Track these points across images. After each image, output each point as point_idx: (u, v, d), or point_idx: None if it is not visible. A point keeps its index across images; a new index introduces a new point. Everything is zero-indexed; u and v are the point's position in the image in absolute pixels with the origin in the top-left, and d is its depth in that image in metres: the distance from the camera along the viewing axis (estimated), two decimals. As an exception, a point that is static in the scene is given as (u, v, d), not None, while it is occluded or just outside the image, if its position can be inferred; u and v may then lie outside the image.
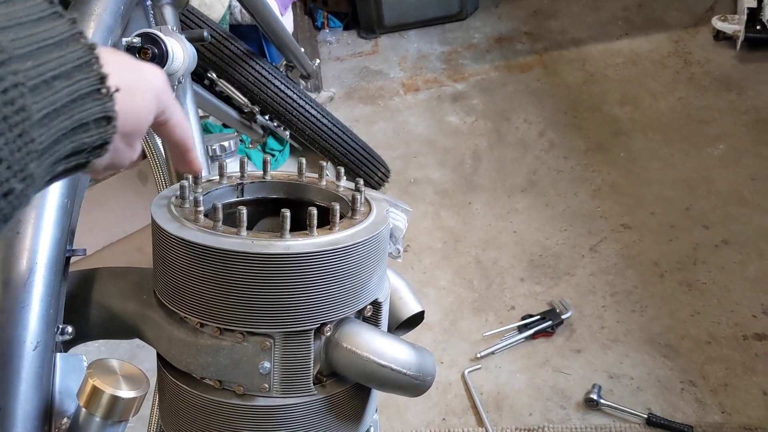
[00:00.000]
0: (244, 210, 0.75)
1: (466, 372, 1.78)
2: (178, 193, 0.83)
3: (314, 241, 0.77)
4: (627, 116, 2.45)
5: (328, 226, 0.82)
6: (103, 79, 0.39)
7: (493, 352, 1.82)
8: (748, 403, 1.65)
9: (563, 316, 1.85)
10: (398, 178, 2.32)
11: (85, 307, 0.83)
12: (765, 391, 1.66)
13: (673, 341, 1.79)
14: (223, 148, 1.31)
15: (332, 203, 0.81)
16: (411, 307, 1.02)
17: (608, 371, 1.75)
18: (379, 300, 0.89)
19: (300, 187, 0.99)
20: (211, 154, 1.31)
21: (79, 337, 0.79)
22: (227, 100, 1.86)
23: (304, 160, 0.99)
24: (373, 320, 0.91)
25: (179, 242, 0.73)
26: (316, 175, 1.00)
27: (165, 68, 0.85)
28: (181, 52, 0.89)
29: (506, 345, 1.82)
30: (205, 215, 0.79)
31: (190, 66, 0.93)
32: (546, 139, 2.41)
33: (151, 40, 0.84)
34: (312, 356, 0.80)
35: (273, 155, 2.45)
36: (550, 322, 1.84)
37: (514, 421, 1.69)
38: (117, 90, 0.41)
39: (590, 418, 1.67)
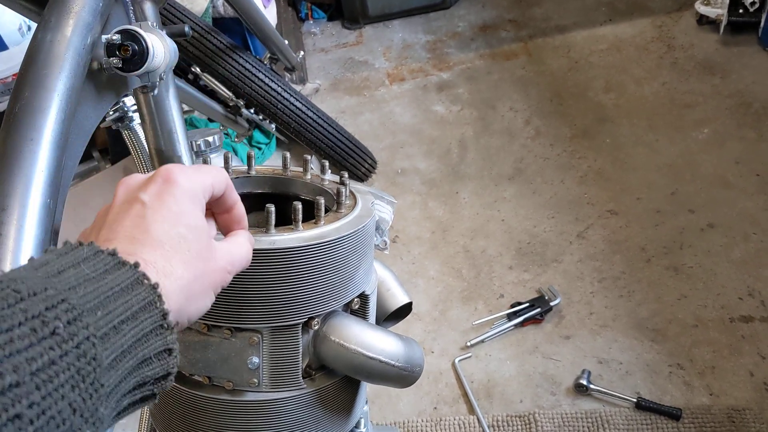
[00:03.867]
0: (228, 206, 0.75)
1: (456, 361, 1.79)
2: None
3: (299, 236, 0.78)
4: (612, 102, 2.46)
5: (314, 221, 0.82)
6: (165, 315, 0.42)
7: (482, 341, 1.82)
8: (735, 384, 1.67)
9: (552, 303, 1.86)
10: (385, 169, 2.33)
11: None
12: (752, 373, 1.68)
13: (661, 325, 1.81)
14: (207, 144, 1.31)
15: (317, 197, 0.81)
16: (399, 298, 1.02)
17: (597, 356, 1.76)
18: (366, 292, 0.89)
19: (285, 181, 0.99)
20: (195, 150, 1.31)
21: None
22: (212, 94, 1.85)
23: (288, 155, 0.99)
24: (360, 313, 0.91)
25: (164, 240, 0.73)
26: (301, 169, 1.00)
27: (145, 65, 0.85)
28: (161, 48, 0.88)
29: (496, 333, 1.83)
30: (190, 212, 0.80)
31: (172, 62, 0.92)
32: (532, 127, 2.42)
33: (131, 37, 0.84)
34: (300, 350, 0.80)
35: (259, 148, 2.44)
36: (539, 310, 1.85)
37: (505, 408, 1.70)
38: (177, 324, 0.44)
39: (580, 403, 1.69)
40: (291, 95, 1.70)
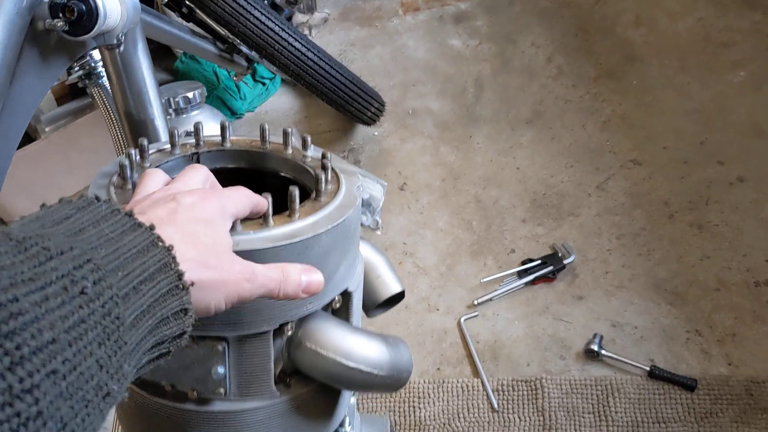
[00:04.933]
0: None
1: (462, 319, 1.72)
2: (120, 172, 0.73)
3: (268, 235, 0.68)
4: (641, 39, 2.27)
5: (287, 213, 0.72)
6: (180, 276, 0.44)
7: (491, 299, 1.74)
8: (756, 354, 1.58)
9: (565, 261, 1.76)
10: (395, 110, 2.19)
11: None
12: (774, 342, 1.59)
13: (680, 288, 1.71)
14: (187, 100, 1.19)
15: (291, 187, 0.71)
16: (390, 287, 0.93)
17: (611, 319, 1.68)
18: (349, 290, 0.80)
19: (262, 155, 0.89)
20: (174, 107, 1.19)
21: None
22: (208, 29, 1.71)
23: (267, 126, 0.88)
24: (342, 312, 0.82)
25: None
26: (281, 142, 0.89)
27: (95, 28, 0.73)
28: (117, 6, 0.76)
29: (505, 291, 1.75)
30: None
31: (131, 19, 0.80)
32: (554, 65, 2.25)
33: (75, -5, 0.72)
34: (272, 357, 0.72)
35: (263, 83, 2.32)
36: (551, 268, 1.75)
37: (511, 372, 1.63)
38: (192, 284, 0.45)
39: (590, 369, 1.61)
40: (290, 35, 1.56)
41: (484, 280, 1.77)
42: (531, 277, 1.74)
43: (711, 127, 1.99)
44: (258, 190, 0.77)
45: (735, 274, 1.71)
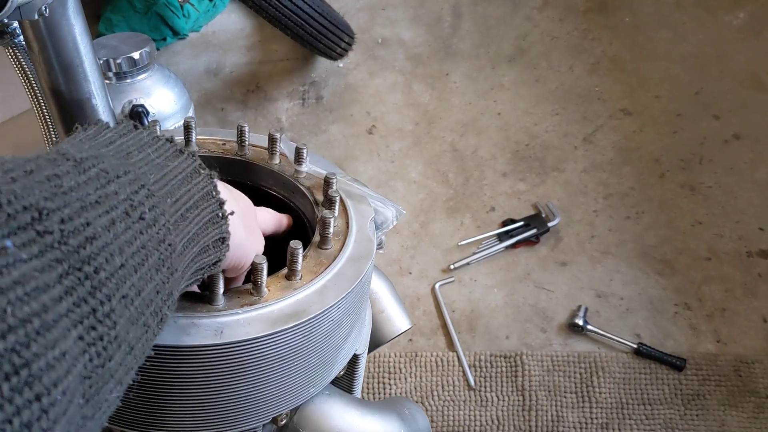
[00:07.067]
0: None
1: (437, 285, 1.57)
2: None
3: (263, 313, 0.49)
4: (635, -32, 2.06)
5: (285, 273, 0.54)
6: (222, 204, 0.44)
7: (468, 263, 1.60)
8: (745, 331, 1.50)
9: (550, 224, 1.62)
10: (362, 37, 1.94)
11: None
12: (765, 318, 1.51)
13: (670, 255, 1.60)
14: (132, 63, 0.94)
15: (292, 243, 0.52)
16: (397, 325, 0.76)
17: (596, 289, 1.56)
18: (358, 352, 0.63)
19: (241, 164, 0.68)
20: (116, 70, 0.94)
21: None
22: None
23: (247, 128, 0.67)
24: (345, 378, 0.66)
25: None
26: (265, 147, 0.69)
27: (7, 7, 0.50)
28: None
29: (483, 255, 1.60)
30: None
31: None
32: (539, -6, 2.02)
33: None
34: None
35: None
36: (534, 231, 1.61)
37: (489, 345, 1.51)
38: (232, 213, 0.45)
39: (573, 343, 1.51)
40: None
41: (462, 243, 1.61)
42: (512, 241, 1.60)
43: (707, 76, 1.84)
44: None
45: (727, 243, 1.60)
